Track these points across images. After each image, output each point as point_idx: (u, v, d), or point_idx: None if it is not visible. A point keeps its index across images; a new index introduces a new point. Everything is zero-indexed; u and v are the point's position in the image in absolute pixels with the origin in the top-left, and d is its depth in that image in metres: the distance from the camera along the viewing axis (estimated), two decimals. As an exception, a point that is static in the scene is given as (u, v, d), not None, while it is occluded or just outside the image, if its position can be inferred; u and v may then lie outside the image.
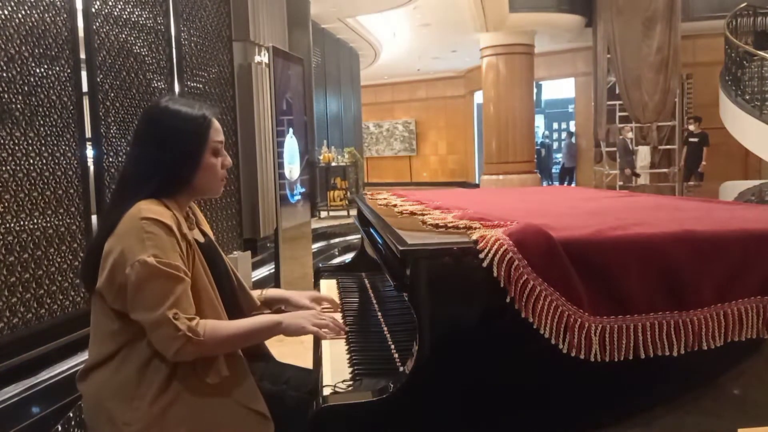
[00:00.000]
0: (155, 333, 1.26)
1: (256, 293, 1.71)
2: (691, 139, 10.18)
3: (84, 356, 1.40)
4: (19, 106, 2.96)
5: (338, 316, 1.77)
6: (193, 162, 1.39)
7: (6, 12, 2.91)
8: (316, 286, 2.24)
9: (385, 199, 2.23)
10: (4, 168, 2.86)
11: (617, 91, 10.97)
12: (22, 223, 2.94)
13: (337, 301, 1.93)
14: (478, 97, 14.80)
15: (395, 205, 1.92)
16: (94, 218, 3.40)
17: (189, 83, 4.70)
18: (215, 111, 1.47)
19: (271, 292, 1.73)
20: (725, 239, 1.24)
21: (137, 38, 4.02)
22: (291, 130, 5.17)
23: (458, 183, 16.73)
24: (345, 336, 1.52)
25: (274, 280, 5.06)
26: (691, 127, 10.31)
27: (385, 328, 1.59)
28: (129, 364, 1.31)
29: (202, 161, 1.40)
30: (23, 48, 3.00)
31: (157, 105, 1.45)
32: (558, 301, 1.13)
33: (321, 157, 9.76)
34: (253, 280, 5.25)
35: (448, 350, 1.16)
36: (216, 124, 1.44)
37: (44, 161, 3.11)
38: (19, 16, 2.99)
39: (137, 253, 1.26)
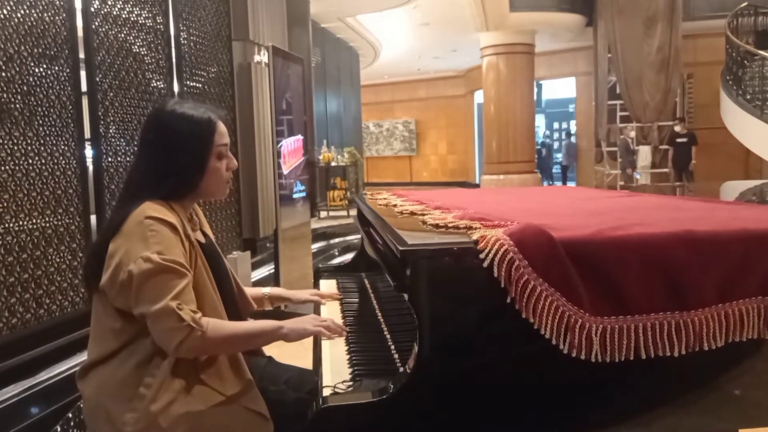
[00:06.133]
0: (158, 325, 1.25)
1: (260, 291, 1.75)
2: (679, 140, 10.22)
3: (83, 357, 1.40)
4: (18, 105, 2.96)
5: (338, 316, 1.77)
6: (199, 167, 1.41)
7: (5, 11, 2.91)
8: (316, 286, 2.24)
9: (385, 199, 2.23)
10: (3, 168, 2.86)
11: (618, 91, 10.97)
12: (21, 223, 2.94)
13: (336, 301, 1.94)
14: (479, 97, 14.81)
15: (395, 205, 1.92)
16: (93, 218, 3.40)
17: (188, 83, 4.70)
18: (221, 113, 1.48)
19: (276, 290, 1.79)
20: (726, 239, 1.24)
21: (136, 38, 4.02)
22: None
23: (458, 183, 16.72)
24: (345, 336, 1.52)
25: (273, 280, 5.06)
26: (678, 128, 10.36)
27: (385, 329, 1.59)
28: (129, 363, 1.31)
29: (208, 166, 1.41)
30: (22, 47, 3.00)
31: (163, 108, 1.47)
32: (558, 302, 1.13)
33: (321, 157, 9.75)
34: (252, 280, 5.24)
35: (448, 350, 1.16)
36: (221, 127, 1.45)
37: (43, 161, 3.11)
38: (18, 15, 2.99)
39: (141, 250, 1.27)
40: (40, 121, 3.10)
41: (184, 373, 1.32)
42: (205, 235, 1.55)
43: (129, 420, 1.27)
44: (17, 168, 2.94)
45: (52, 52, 3.20)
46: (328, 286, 2.20)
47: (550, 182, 15.86)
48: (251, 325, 1.45)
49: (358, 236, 2.61)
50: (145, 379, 1.29)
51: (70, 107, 3.30)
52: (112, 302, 1.32)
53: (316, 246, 6.77)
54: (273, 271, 5.15)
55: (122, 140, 3.75)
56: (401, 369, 1.27)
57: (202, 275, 1.39)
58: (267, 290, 1.79)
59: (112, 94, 3.71)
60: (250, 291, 1.74)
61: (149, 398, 1.28)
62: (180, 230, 1.34)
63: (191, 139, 1.40)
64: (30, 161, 3.02)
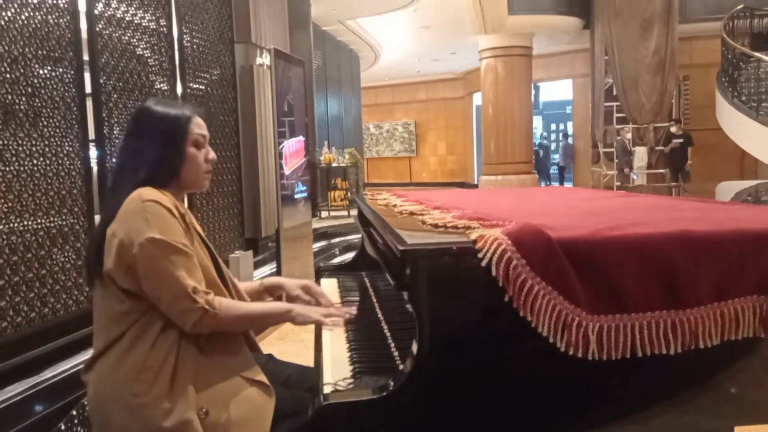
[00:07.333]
0: (173, 307, 1.32)
1: (256, 284, 1.76)
2: (675, 140, 10.22)
3: (87, 355, 1.42)
4: (22, 107, 2.98)
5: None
6: (177, 153, 1.46)
7: (10, 13, 2.93)
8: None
9: (385, 199, 2.25)
10: (8, 168, 2.88)
11: (614, 93, 10.98)
12: (25, 223, 2.96)
13: (337, 299, 1.94)
14: (477, 99, 14.81)
15: (395, 205, 1.94)
16: (97, 218, 3.42)
17: (191, 85, 4.72)
18: (199, 110, 1.55)
19: (270, 279, 1.77)
20: (722, 239, 1.24)
21: (140, 40, 4.04)
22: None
23: (457, 183, 16.74)
24: (348, 323, 1.54)
25: (275, 280, 5.07)
26: (673, 129, 10.38)
27: (385, 327, 1.61)
28: (134, 344, 1.34)
29: (185, 152, 1.47)
30: (27, 49, 3.02)
31: (143, 105, 1.53)
32: (556, 300, 1.14)
33: (322, 158, 9.77)
34: (254, 279, 5.26)
35: (448, 348, 1.17)
36: (197, 119, 1.52)
37: (48, 162, 3.13)
38: (23, 17, 3.01)
39: (144, 233, 1.31)
40: (45, 123, 3.12)
41: (188, 348, 1.36)
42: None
43: (138, 391, 1.30)
44: (22, 168, 2.96)
45: (57, 54, 3.23)
46: (329, 284, 2.22)
47: (548, 183, 15.86)
48: (262, 305, 1.55)
49: (359, 236, 2.62)
50: (152, 353, 1.33)
51: (75, 109, 3.33)
52: (120, 285, 1.35)
53: (317, 245, 6.79)
54: (275, 270, 5.17)
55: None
56: (401, 367, 1.28)
57: (201, 255, 1.43)
58: (260, 282, 1.75)
59: (116, 95, 3.73)
60: (246, 285, 1.75)
61: (157, 369, 1.31)
62: (176, 212, 1.38)
63: (169, 127, 1.47)
64: (35, 162, 3.04)
